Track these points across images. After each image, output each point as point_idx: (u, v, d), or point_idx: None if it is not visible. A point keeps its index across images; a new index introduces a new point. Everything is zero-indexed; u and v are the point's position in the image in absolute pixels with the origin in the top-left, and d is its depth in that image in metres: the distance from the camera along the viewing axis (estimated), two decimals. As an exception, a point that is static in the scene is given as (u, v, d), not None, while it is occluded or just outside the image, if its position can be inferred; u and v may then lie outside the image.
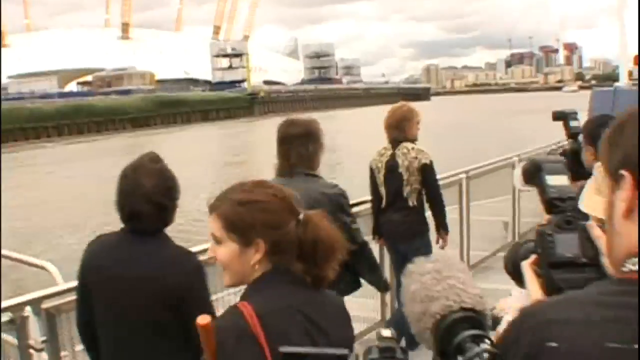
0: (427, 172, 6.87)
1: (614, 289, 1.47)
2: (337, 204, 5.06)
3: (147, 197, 3.48)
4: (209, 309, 3.41)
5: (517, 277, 2.39)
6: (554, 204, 2.36)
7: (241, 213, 2.46)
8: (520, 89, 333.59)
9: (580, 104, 15.55)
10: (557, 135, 8.48)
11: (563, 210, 2.32)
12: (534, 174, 2.42)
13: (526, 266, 2.33)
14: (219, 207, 2.52)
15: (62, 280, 5.41)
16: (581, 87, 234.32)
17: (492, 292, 2.31)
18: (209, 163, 51.14)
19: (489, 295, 1.78)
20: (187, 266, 3.53)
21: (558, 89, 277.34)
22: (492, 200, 11.86)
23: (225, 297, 6.31)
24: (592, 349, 1.37)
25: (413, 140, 6.92)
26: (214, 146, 69.27)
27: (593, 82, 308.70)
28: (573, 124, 5.52)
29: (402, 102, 7.26)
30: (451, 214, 8.41)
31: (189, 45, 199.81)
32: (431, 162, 6.89)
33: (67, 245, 21.95)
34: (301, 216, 2.46)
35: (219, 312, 2.77)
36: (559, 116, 5.89)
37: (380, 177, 7.01)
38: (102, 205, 30.74)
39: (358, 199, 7.34)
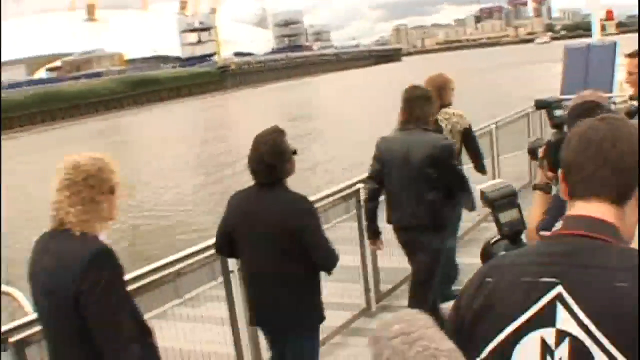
0: (468, 134, 7.77)
1: (539, 243, 2.20)
2: (449, 151, 6.44)
3: (261, 159, 5.01)
4: (319, 238, 5.02)
5: None
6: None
7: None
8: (492, 43, 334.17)
9: (553, 55, 15.20)
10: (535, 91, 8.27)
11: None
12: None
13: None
14: None
15: (29, 307, 5.06)
16: (553, 38, 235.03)
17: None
18: (187, 141, 50.53)
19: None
20: (300, 205, 5.08)
21: (529, 41, 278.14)
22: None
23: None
24: (511, 282, 1.97)
25: (448, 105, 7.70)
26: (189, 123, 68.73)
27: (563, 32, 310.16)
28: (557, 112, 5.16)
29: (438, 72, 7.95)
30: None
31: (157, 23, 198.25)
32: (470, 125, 7.83)
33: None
34: None
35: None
36: (541, 105, 5.52)
37: None
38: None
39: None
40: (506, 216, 2.80)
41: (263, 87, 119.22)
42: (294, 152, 5.18)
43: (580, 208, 2.01)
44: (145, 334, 3.82)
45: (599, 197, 1.98)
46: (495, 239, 2.87)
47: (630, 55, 6.22)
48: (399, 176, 6.41)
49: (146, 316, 4.21)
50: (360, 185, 7.60)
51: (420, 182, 6.30)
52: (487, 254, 2.82)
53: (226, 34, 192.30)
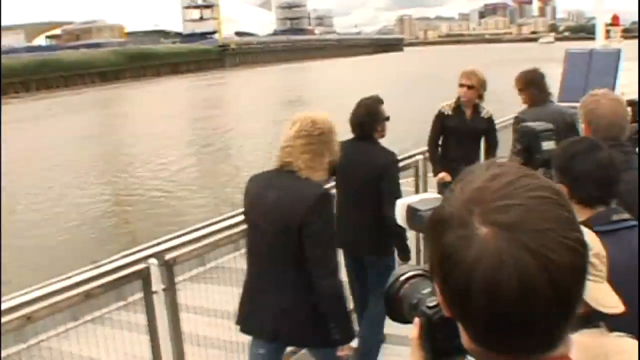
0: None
1: None
2: (571, 123, 6.59)
3: (354, 119, 6.03)
4: (398, 186, 6.07)
5: None
6: None
7: None
8: (494, 39, 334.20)
9: (557, 56, 14.88)
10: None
11: None
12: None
13: None
14: None
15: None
16: (556, 39, 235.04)
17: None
18: (181, 117, 50.28)
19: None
20: (386, 157, 5.99)
21: (532, 40, 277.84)
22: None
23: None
24: None
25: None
26: (185, 100, 68.45)
27: (566, 33, 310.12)
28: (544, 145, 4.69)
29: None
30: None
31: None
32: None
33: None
34: None
35: None
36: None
37: None
38: (67, 169, 30.32)
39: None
40: None
41: (263, 68, 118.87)
42: (387, 118, 6.13)
43: None
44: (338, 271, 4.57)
45: None
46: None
47: None
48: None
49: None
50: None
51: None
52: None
53: (229, 12, 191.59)
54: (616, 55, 13.98)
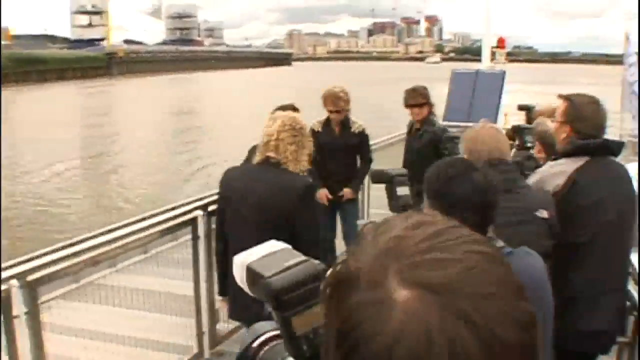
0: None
1: None
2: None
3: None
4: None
5: None
6: None
7: None
8: (382, 57, 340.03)
9: (443, 75, 15.25)
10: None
11: None
12: None
13: None
14: None
15: None
16: (443, 59, 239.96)
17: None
18: (68, 124, 49.29)
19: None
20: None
21: (418, 59, 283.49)
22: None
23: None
24: None
25: None
26: (71, 107, 67.21)
27: (452, 54, 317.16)
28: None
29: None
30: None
31: (49, 1, 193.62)
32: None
33: None
34: None
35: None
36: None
37: None
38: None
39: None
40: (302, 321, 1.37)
41: (151, 77, 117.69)
42: None
43: None
44: None
45: None
46: None
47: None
48: None
49: None
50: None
51: None
52: None
53: (118, 20, 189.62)
54: (501, 76, 14.41)
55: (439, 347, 0.82)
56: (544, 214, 4.01)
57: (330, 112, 7.99)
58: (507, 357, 0.85)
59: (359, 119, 8.29)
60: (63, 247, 5.87)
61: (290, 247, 1.48)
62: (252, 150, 6.21)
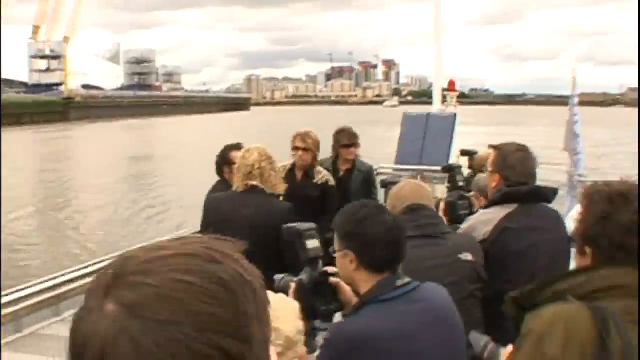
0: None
1: None
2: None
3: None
4: None
5: None
6: None
7: None
8: (340, 101, 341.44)
9: (400, 118, 15.27)
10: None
11: None
12: None
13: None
14: None
15: None
16: (401, 103, 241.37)
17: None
18: (24, 170, 48.88)
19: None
20: None
21: (376, 102, 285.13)
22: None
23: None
24: None
25: None
26: (28, 152, 66.70)
27: (409, 97, 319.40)
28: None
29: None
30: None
31: (6, 45, 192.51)
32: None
33: None
34: None
35: None
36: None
37: None
38: None
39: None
40: None
41: (109, 123, 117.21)
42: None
43: None
44: None
45: None
46: None
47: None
48: None
49: None
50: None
51: None
52: None
53: (77, 65, 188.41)
54: (452, 119, 14.26)
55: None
56: (468, 257, 4.11)
57: (297, 149, 7.60)
58: None
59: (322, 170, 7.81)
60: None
61: None
62: (217, 186, 6.87)
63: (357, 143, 8.39)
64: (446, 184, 6.51)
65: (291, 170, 7.68)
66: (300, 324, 2.21)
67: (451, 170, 6.58)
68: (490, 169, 4.87)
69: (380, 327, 2.95)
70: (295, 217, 5.20)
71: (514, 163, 4.72)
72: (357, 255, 3.13)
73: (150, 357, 0.89)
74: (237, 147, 6.75)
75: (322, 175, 7.74)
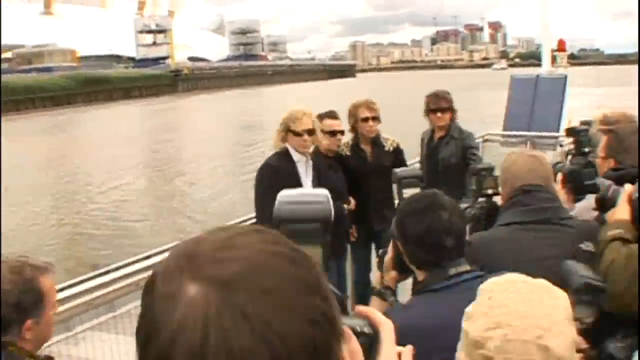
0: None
1: None
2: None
3: None
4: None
5: None
6: None
7: None
8: (446, 66, 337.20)
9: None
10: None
11: None
12: None
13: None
14: None
15: None
16: (509, 65, 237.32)
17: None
18: (136, 141, 49.82)
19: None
20: None
21: (483, 66, 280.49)
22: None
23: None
24: None
25: None
26: (138, 124, 67.97)
27: (517, 60, 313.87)
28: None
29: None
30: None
31: (114, 21, 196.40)
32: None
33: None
34: None
35: None
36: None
37: None
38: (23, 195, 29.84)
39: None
40: None
41: (216, 93, 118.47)
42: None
43: None
44: None
45: None
46: None
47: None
48: None
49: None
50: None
51: None
52: None
53: (182, 37, 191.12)
54: (563, 80, 13.57)
55: (214, 341, 0.86)
56: (589, 247, 3.28)
57: (367, 120, 7.05)
58: (290, 350, 0.88)
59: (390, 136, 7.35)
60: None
61: None
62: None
63: (442, 108, 7.41)
64: (565, 149, 5.77)
65: (356, 144, 7.22)
66: None
67: (576, 134, 5.74)
68: (602, 154, 4.34)
69: (421, 318, 2.79)
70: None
71: (631, 145, 4.15)
72: (403, 247, 3.04)
73: (260, 327, 0.88)
74: (332, 115, 6.68)
75: (391, 141, 7.28)
